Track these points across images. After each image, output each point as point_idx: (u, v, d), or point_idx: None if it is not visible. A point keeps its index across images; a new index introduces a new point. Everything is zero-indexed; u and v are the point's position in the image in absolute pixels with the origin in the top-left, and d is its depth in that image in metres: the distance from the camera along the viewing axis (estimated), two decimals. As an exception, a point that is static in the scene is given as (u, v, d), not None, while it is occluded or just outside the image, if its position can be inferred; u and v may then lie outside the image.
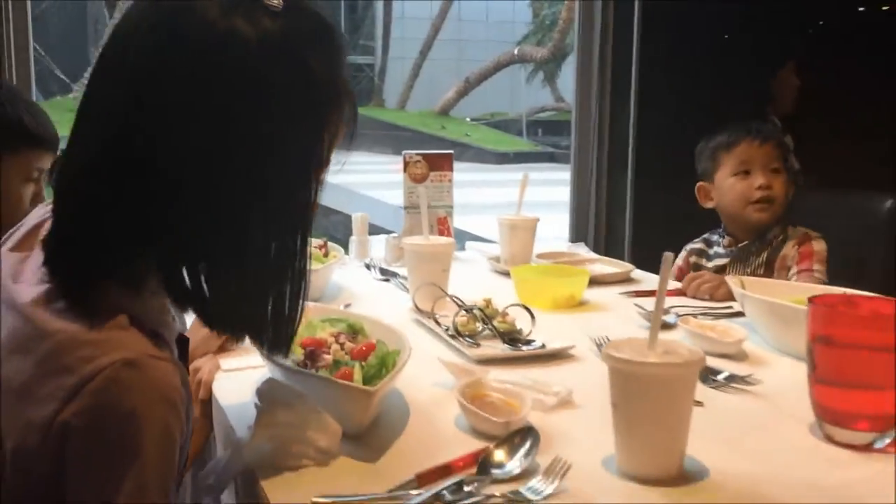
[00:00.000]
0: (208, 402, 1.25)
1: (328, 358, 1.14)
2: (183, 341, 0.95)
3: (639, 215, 2.69)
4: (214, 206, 0.80)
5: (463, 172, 12.80)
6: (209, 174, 0.79)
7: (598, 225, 2.76)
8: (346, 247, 2.19)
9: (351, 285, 1.91)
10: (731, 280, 1.53)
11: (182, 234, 0.81)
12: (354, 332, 1.26)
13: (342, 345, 1.19)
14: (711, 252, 2.10)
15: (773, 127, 2.06)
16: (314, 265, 1.74)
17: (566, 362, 1.39)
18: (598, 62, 2.70)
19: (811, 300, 1.03)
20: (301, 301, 0.89)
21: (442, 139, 16.18)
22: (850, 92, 2.84)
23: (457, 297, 1.58)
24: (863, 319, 1.04)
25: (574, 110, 2.82)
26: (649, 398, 0.91)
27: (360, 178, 12.96)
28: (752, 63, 2.77)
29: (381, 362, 1.10)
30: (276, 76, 0.80)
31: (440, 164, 2.27)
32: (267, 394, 0.98)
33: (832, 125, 2.80)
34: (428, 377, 1.26)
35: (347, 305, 1.63)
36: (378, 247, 2.22)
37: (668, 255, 0.95)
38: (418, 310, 1.61)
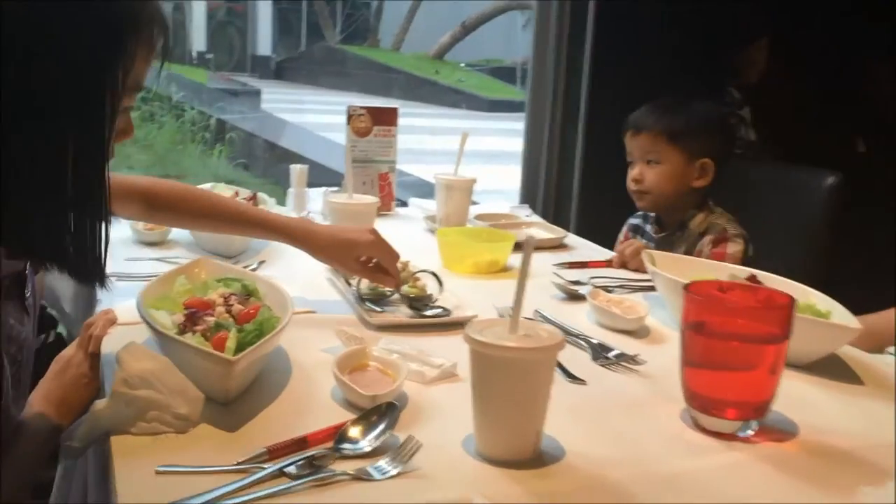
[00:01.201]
0: (98, 356, 1.25)
1: (210, 320, 1.13)
2: (15, 276, 0.95)
3: (588, 180, 2.65)
4: None
5: (453, 119, 12.64)
6: None
7: (548, 183, 2.72)
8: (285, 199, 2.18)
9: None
10: (645, 256, 1.52)
11: None
12: (248, 293, 1.25)
13: (230, 307, 1.18)
14: (646, 231, 2.08)
15: (661, 112, 1.92)
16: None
17: (467, 331, 1.38)
18: (557, 13, 2.63)
19: (686, 287, 1.02)
20: (100, 227, 0.90)
21: (435, 84, 15.97)
22: (818, 69, 2.80)
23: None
24: (732, 309, 1.03)
25: (531, 61, 2.74)
26: (504, 381, 0.91)
27: (339, 120, 12.84)
28: (719, 32, 2.71)
29: (258, 328, 1.09)
30: None
31: (385, 118, 2.24)
32: (126, 356, 0.97)
33: (796, 101, 2.77)
34: (321, 342, 1.26)
35: (261, 263, 1.62)
36: (318, 201, 2.19)
37: (531, 237, 0.93)
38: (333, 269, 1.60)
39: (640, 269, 1.76)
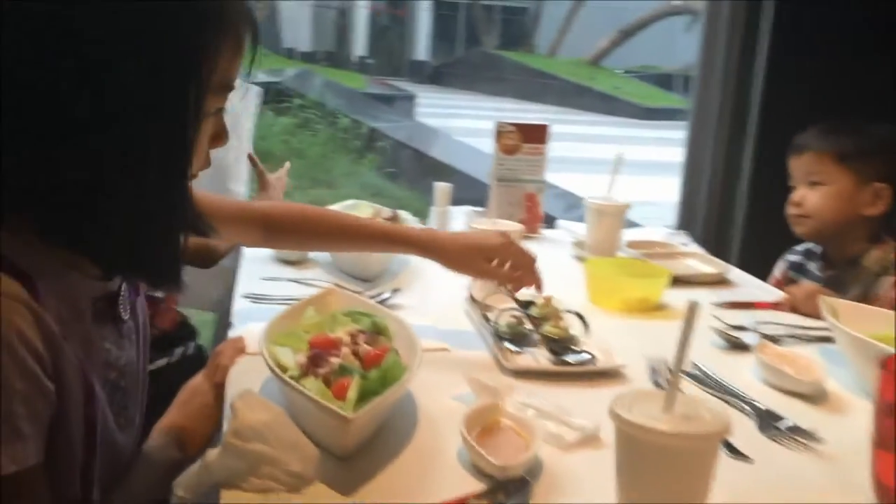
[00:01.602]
0: (223, 387, 1.20)
1: (334, 361, 1.05)
2: (107, 297, 0.91)
3: (755, 205, 2.40)
4: (72, 141, 0.76)
5: (608, 127, 12.44)
6: (60, 100, 0.74)
7: (709, 205, 2.50)
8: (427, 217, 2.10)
9: (418, 262, 1.81)
10: (824, 304, 1.33)
11: (45, 175, 0.77)
12: (377, 331, 1.17)
13: (357, 347, 1.10)
14: (809, 270, 1.86)
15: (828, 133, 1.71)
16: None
17: (614, 383, 1.24)
18: (729, 14, 2.40)
19: (884, 364, 0.85)
20: (177, 236, 0.86)
21: (590, 90, 15.71)
22: None
23: (516, 294, 1.47)
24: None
25: (698, 67, 2.53)
26: (656, 469, 0.78)
27: (487, 126, 12.77)
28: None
29: (383, 376, 1.01)
30: None
31: (534, 135, 2.12)
32: (241, 406, 0.90)
33: None
34: (452, 386, 1.16)
35: (396, 290, 1.54)
36: (461, 219, 2.10)
37: (695, 304, 0.80)
38: (473, 300, 1.50)
39: (814, 314, 1.56)
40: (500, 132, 2.10)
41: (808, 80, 2.28)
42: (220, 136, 0.92)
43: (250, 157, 1.96)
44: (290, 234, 1.38)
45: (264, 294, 1.52)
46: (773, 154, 1.93)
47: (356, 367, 1.04)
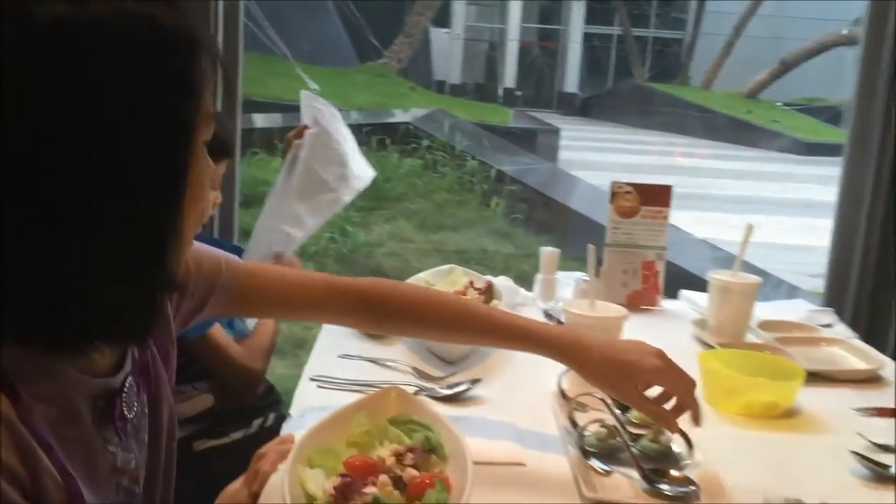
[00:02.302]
0: (258, 496, 1.07)
1: (368, 494, 0.89)
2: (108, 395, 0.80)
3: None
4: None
5: (764, 163, 11.87)
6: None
7: (863, 266, 2.18)
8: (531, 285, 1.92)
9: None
10: None
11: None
12: (430, 448, 1.01)
13: (401, 471, 0.94)
14: None
15: None
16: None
17: (720, 525, 1.02)
18: (893, 41, 2.10)
19: None
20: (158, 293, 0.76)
21: (747, 124, 15.00)
22: None
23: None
24: None
25: (853, 99, 2.22)
26: None
27: (639, 160, 12.41)
28: None
29: (419, 520, 0.84)
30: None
31: (655, 197, 1.90)
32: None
33: None
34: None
35: (476, 381, 1.36)
36: (568, 288, 1.91)
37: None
38: (562, 395, 1.31)
39: None
40: (616, 193, 1.90)
41: None
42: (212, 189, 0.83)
43: None
44: (407, 321, 1.19)
45: (334, 377, 1.39)
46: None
47: (393, 501, 0.88)
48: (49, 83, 0.65)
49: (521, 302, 1.86)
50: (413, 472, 0.94)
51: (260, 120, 6.78)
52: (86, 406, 0.77)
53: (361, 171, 1.79)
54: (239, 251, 1.85)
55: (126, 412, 0.83)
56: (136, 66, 0.68)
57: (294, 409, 1.28)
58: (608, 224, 1.91)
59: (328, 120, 1.76)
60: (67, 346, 0.73)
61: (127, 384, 0.83)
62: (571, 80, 21.98)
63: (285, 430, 1.19)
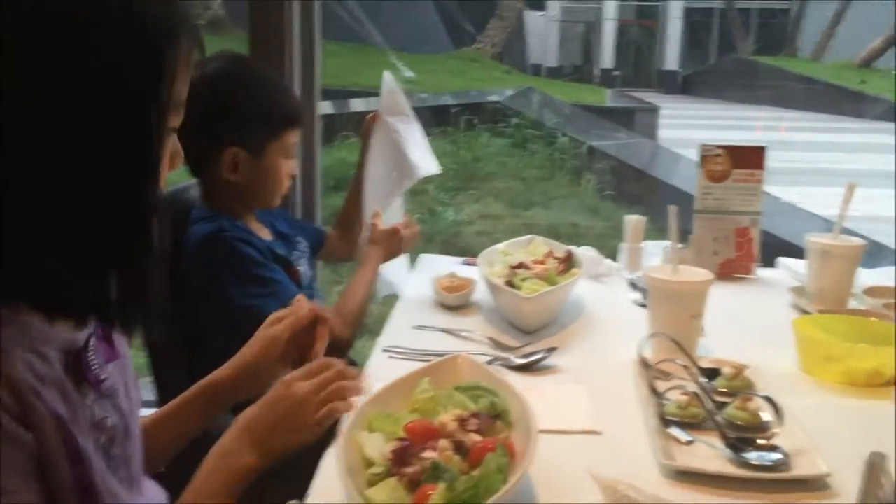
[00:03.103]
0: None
1: (427, 458, 0.86)
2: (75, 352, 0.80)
3: None
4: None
5: (879, 134, 11.20)
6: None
7: None
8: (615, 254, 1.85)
9: (595, 309, 1.58)
10: None
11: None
12: (496, 415, 0.96)
13: (464, 437, 0.90)
14: None
15: None
16: (542, 286, 1.45)
17: (813, 496, 0.94)
18: None
19: None
20: (144, 277, 0.76)
21: (860, 95, 14.25)
22: None
23: (699, 360, 1.20)
24: None
25: None
26: None
27: (744, 136, 11.90)
28: None
29: (475, 488, 0.80)
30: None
31: (748, 159, 1.79)
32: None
33: None
34: (587, 494, 0.92)
35: (552, 350, 1.31)
36: (656, 258, 1.82)
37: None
38: (644, 364, 1.25)
39: None
40: (705, 156, 1.80)
41: None
42: (175, 157, 0.83)
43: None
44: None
45: (409, 347, 1.36)
46: None
47: (451, 469, 0.84)
48: (12, 46, 0.66)
49: (604, 272, 1.79)
50: (476, 437, 0.90)
51: (353, 105, 6.85)
52: (56, 357, 0.77)
53: (420, 164, 1.77)
54: (321, 234, 1.85)
55: (98, 372, 0.83)
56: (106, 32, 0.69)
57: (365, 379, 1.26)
58: (697, 189, 1.81)
59: (395, 108, 1.77)
60: (63, 316, 0.74)
61: (91, 345, 0.83)
62: (672, 57, 21.38)
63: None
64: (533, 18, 19.60)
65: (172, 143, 0.82)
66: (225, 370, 1.09)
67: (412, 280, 1.77)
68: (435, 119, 6.53)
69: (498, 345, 1.38)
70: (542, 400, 1.06)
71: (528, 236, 1.74)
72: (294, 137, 1.57)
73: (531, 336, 1.42)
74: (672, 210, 1.36)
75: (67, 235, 0.70)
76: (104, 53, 0.69)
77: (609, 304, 1.62)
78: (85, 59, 0.68)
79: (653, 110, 10.44)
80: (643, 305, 1.59)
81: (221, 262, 1.46)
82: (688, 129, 11.77)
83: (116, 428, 0.84)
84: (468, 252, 2.21)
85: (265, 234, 1.62)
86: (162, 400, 1.52)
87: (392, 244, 1.71)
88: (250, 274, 1.46)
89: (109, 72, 0.69)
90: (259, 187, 1.55)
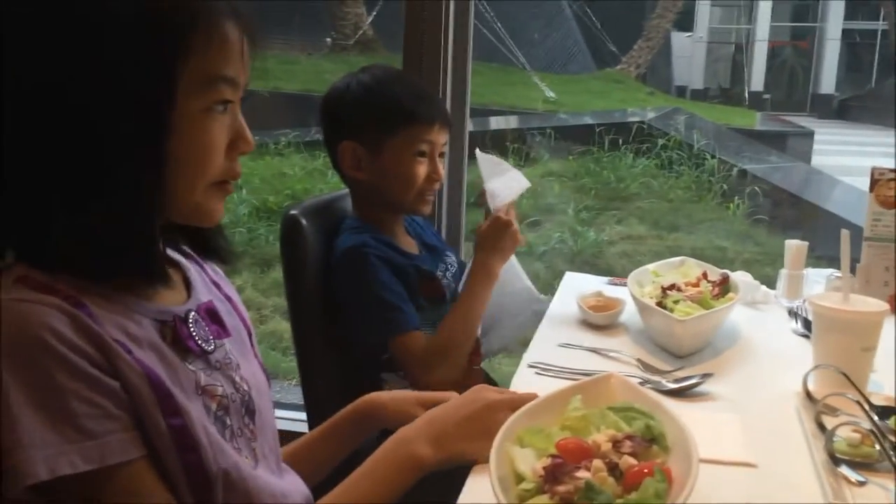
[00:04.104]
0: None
1: (580, 477, 0.83)
2: (168, 319, 0.84)
3: None
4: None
5: None
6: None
7: None
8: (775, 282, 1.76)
9: (751, 336, 1.50)
10: None
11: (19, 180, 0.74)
12: (651, 439, 0.92)
13: (618, 458, 0.87)
14: None
15: None
16: (695, 309, 1.39)
17: None
18: None
19: None
20: (152, 233, 0.80)
21: None
22: None
23: (870, 396, 1.12)
24: None
25: None
26: None
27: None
28: None
29: (633, 511, 0.77)
30: None
31: (926, 184, 1.67)
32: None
33: None
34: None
35: (707, 376, 1.25)
36: (818, 286, 1.72)
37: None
38: (808, 397, 1.17)
39: None
40: (878, 180, 1.69)
41: None
42: (237, 141, 0.84)
43: None
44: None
45: (554, 365, 1.33)
46: None
47: (605, 491, 0.81)
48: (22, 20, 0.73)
49: (761, 300, 1.70)
50: (631, 460, 0.86)
51: (494, 122, 6.88)
52: (153, 325, 0.81)
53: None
54: (457, 260, 1.75)
55: (202, 343, 0.86)
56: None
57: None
58: (867, 215, 1.70)
59: (494, 177, 1.62)
60: (96, 276, 0.77)
61: (192, 317, 0.87)
62: (828, 80, 20.33)
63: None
64: (679, 39, 19.13)
65: (235, 125, 0.84)
66: (385, 395, 1.11)
67: (557, 298, 1.74)
68: (578, 138, 6.47)
69: (647, 367, 1.34)
70: (696, 427, 1.01)
71: (680, 258, 1.68)
72: (424, 136, 1.52)
73: (682, 360, 1.37)
74: (844, 235, 1.28)
75: (74, 196, 0.74)
76: (115, 24, 0.73)
77: (766, 332, 1.54)
78: (98, 30, 0.73)
79: (807, 135, 9.97)
80: (804, 336, 1.51)
81: (355, 278, 1.48)
82: (845, 155, 11.17)
83: (229, 399, 0.87)
84: (610, 273, 2.17)
85: (411, 247, 1.63)
86: (308, 402, 1.56)
87: (503, 240, 1.56)
88: (374, 295, 1.47)
89: (119, 42, 0.73)
90: (385, 186, 1.53)
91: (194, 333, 0.86)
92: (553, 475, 0.83)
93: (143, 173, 0.76)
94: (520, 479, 0.86)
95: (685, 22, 19.33)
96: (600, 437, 0.90)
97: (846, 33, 20.40)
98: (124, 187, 0.76)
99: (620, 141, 6.13)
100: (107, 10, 0.74)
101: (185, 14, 0.77)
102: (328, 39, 10.66)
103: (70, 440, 0.69)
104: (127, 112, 0.75)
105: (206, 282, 0.97)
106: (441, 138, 1.56)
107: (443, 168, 1.59)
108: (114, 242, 0.76)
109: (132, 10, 0.74)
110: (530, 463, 0.87)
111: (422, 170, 1.53)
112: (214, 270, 1.01)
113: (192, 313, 0.88)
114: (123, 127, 0.75)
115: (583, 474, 0.83)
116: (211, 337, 0.89)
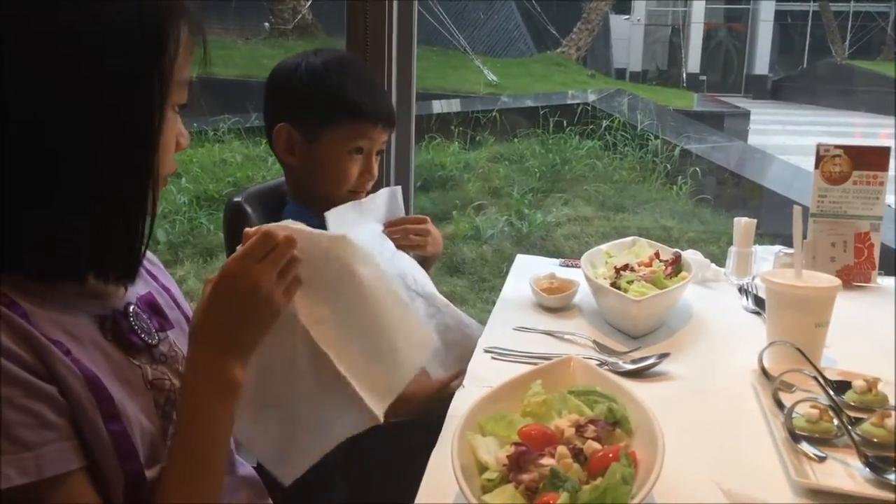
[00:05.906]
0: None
1: (545, 465, 0.81)
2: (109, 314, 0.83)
3: None
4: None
5: None
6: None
7: None
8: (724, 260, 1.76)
9: (704, 314, 1.50)
10: None
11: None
12: (614, 422, 0.91)
13: (581, 444, 0.85)
14: None
15: None
16: (649, 289, 1.39)
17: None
18: None
19: None
20: (140, 232, 0.81)
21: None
22: None
23: (824, 371, 1.12)
24: None
25: None
26: None
27: (835, 143, 11.35)
28: None
29: (600, 499, 0.75)
30: None
31: (870, 160, 1.68)
32: None
33: None
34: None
35: (665, 356, 1.24)
36: (766, 263, 1.73)
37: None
38: (765, 374, 1.17)
39: None
40: (823, 157, 1.70)
41: None
42: (178, 138, 0.86)
43: None
44: None
45: (510, 349, 1.31)
46: None
47: (571, 478, 0.79)
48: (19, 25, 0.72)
49: (711, 277, 1.70)
50: (595, 445, 0.85)
51: (437, 106, 6.83)
52: (92, 322, 0.80)
53: None
54: None
55: (144, 336, 0.85)
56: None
57: (468, 380, 1.22)
58: (813, 192, 1.71)
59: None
60: (62, 276, 0.77)
61: (132, 311, 0.85)
62: (762, 61, 20.76)
63: (458, 400, 1.13)
64: (618, 22, 19.31)
65: (178, 124, 0.85)
66: None
67: (509, 280, 1.72)
68: (522, 121, 6.46)
69: (603, 349, 1.32)
70: (655, 408, 1.00)
71: (632, 238, 1.67)
72: (365, 133, 1.45)
73: (638, 341, 1.36)
74: (797, 211, 1.28)
75: (68, 196, 0.74)
76: (112, 24, 0.74)
77: (718, 310, 1.54)
78: (97, 30, 0.73)
79: (744, 115, 10.15)
80: (755, 312, 1.51)
81: None
82: (780, 134, 11.42)
83: (176, 393, 0.85)
84: (558, 255, 2.15)
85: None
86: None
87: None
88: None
89: (116, 42, 0.74)
90: (315, 175, 1.47)
91: (136, 327, 0.83)
92: (517, 463, 0.81)
93: (137, 180, 0.78)
94: (483, 468, 0.84)
95: (623, 5, 19.52)
96: (563, 423, 0.89)
97: (778, 15, 20.84)
98: (124, 191, 0.77)
99: (565, 123, 6.15)
100: (100, 23, 0.74)
101: (174, 21, 0.79)
102: (266, 24, 10.49)
103: (3, 451, 0.65)
104: (122, 126, 0.76)
105: (143, 273, 0.92)
106: (381, 138, 1.49)
107: (377, 167, 1.52)
108: (113, 242, 0.77)
109: (124, 24, 0.75)
110: (493, 451, 0.85)
111: (355, 168, 1.47)
112: (151, 262, 0.97)
113: (132, 306, 0.85)
114: (116, 141, 0.76)
115: (547, 461, 0.82)
116: (154, 329, 0.87)
